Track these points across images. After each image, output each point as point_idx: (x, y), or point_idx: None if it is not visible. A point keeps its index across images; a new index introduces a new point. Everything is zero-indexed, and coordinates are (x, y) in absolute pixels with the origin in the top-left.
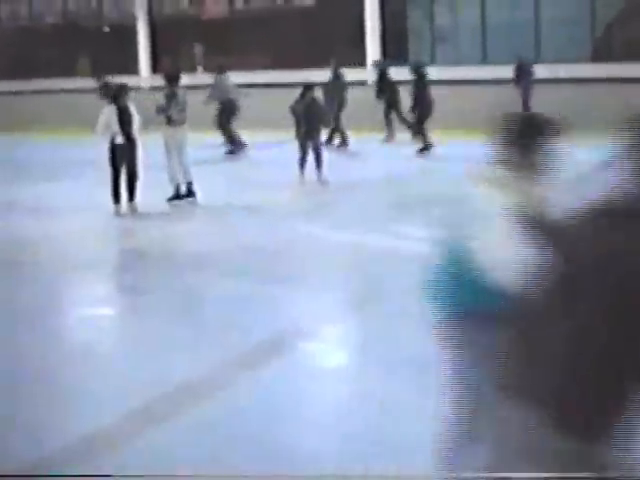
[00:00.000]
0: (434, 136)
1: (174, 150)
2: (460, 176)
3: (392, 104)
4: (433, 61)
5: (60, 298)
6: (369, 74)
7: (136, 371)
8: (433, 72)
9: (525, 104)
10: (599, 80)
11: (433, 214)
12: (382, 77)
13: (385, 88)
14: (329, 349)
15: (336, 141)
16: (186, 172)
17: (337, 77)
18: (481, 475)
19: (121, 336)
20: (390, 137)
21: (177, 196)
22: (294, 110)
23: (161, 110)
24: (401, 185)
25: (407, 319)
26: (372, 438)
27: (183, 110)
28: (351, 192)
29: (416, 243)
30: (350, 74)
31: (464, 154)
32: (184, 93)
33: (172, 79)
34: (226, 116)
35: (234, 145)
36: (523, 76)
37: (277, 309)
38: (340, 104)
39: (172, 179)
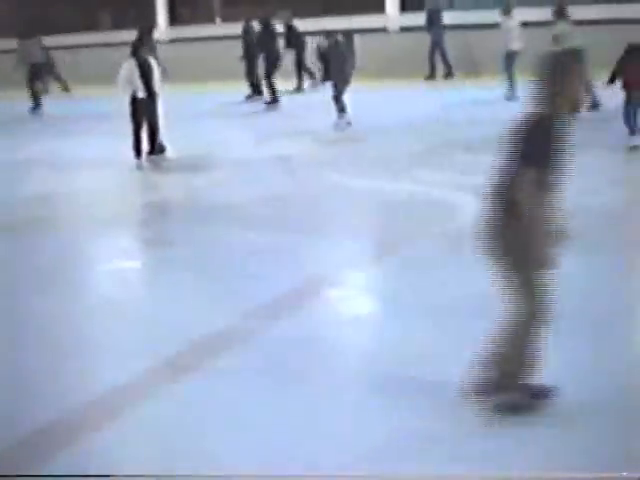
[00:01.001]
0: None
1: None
2: None
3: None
4: (451, 6)
5: (85, 252)
6: (389, 21)
7: (162, 322)
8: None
9: (440, 48)
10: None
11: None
12: (289, 28)
13: (292, 39)
14: (353, 295)
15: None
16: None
17: (267, 27)
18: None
19: (147, 288)
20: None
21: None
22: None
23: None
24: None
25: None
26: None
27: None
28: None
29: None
30: (370, 21)
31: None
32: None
33: (145, 32)
34: (269, 67)
35: (274, 97)
36: (434, 22)
37: (301, 258)
38: (271, 58)
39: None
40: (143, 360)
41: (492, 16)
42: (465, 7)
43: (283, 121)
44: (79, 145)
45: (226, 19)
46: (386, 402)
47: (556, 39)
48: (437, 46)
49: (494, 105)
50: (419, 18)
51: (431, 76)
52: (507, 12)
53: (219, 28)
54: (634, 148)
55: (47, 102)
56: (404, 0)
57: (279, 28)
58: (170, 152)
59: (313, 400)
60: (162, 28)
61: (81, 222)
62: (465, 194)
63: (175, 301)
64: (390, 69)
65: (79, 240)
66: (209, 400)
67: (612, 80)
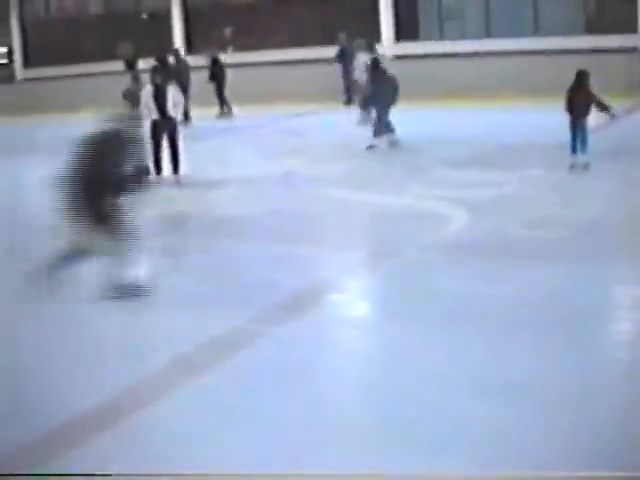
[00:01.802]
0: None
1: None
2: None
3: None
4: (441, 36)
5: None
6: (385, 50)
7: (176, 324)
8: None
9: (348, 79)
10: (592, 51)
11: None
12: (214, 62)
13: (216, 72)
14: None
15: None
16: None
17: (179, 61)
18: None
19: (163, 293)
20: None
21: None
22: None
23: (130, 94)
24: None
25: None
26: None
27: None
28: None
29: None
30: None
31: None
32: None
33: (131, 64)
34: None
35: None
36: (344, 57)
37: (306, 266)
38: (185, 88)
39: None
40: (157, 359)
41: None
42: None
43: (289, 140)
44: None
45: (237, 49)
46: None
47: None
48: (347, 77)
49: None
50: (414, 47)
51: (348, 102)
52: (360, 46)
53: (231, 57)
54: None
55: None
56: (399, 30)
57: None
58: (182, 170)
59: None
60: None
61: None
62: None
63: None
64: None
65: None
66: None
67: (569, 106)
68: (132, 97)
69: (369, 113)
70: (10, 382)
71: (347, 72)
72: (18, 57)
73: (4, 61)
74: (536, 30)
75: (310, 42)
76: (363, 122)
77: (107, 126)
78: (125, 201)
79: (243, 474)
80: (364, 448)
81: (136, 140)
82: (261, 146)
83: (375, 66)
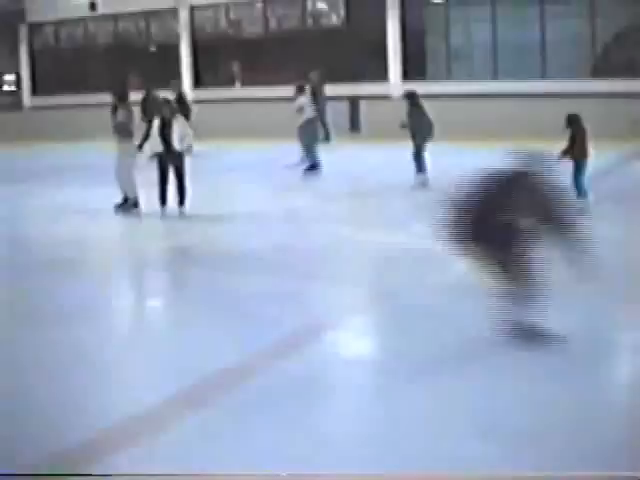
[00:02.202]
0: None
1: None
2: None
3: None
4: (449, 76)
5: (110, 291)
6: (392, 88)
7: (175, 359)
8: (449, 87)
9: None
10: (599, 95)
11: None
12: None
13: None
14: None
15: None
16: (127, 186)
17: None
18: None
19: (164, 326)
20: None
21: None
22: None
23: (121, 127)
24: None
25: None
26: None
27: (126, 126)
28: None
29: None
30: (374, 89)
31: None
32: (130, 111)
33: (121, 97)
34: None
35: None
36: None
37: (306, 303)
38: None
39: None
40: (158, 392)
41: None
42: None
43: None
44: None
45: (245, 83)
46: None
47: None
48: (321, 115)
49: None
50: (420, 86)
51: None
52: (300, 91)
53: (238, 91)
54: None
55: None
56: (406, 69)
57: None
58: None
59: None
60: (187, 90)
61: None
62: None
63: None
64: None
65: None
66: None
67: (565, 152)
68: (123, 129)
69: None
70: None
71: (320, 111)
72: (26, 85)
73: (12, 88)
74: (543, 73)
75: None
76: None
77: (513, 165)
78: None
79: (243, 474)
80: None
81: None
82: (267, 182)
83: (413, 101)
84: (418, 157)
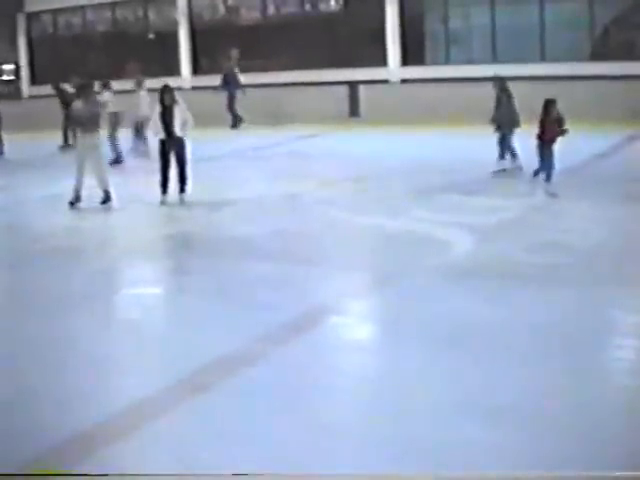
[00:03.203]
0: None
1: (86, 156)
2: None
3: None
4: (447, 61)
5: (113, 279)
6: (391, 73)
7: (178, 345)
8: (448, 71)
9: (230, 106)
10: (597, 77)
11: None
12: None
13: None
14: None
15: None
16: (100, 179)
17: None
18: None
19: (166, 313)
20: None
21: (73, 203)
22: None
23: (91, 118)
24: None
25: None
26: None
27: (94, 117)
28: None
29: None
30: (373, 74)
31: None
32: (96, 101)
33: (82, 88)
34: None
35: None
36: (229, 82)
37: (307, 287)
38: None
39: (77, 187)
40: (157, 379)
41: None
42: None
43: (295, 162)
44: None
45: (243, 70)
46: None
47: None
48: (232, 100)
49: None
50: (419, 72)
51: (234, 125)
52: (139, 85)
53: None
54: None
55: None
56: (405, 54)
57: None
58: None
59: None
60: (186, 76)
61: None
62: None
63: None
64: (391, 117)
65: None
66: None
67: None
68: (92, 121)
69: (140, 139)
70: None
71: (232, 97)
72: (25, 74)
73: (11, 78)
74: (542, 56)
75: (316, 65)
76: (134, 150)
77: None
78: None
79: (243, 474)
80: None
81: None
82: (267, 167)
83: (503, 86)
84: (503, 143)
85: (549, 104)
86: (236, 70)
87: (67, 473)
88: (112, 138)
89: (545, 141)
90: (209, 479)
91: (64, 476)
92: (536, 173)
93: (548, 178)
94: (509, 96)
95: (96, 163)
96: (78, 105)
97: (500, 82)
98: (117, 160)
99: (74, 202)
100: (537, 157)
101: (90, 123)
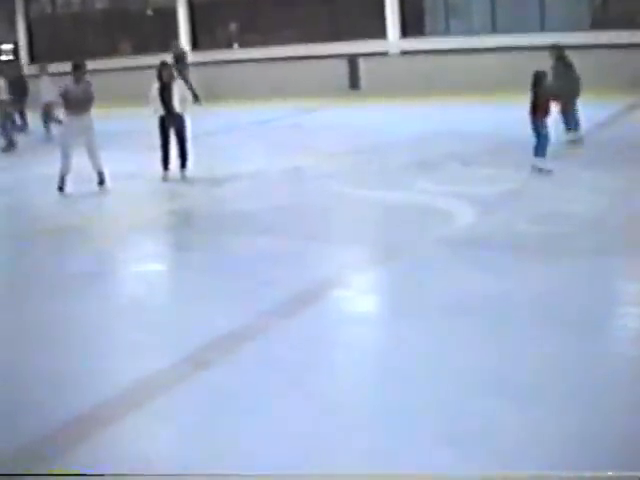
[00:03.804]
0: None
1: (78, 138)
2: None
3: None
4: (447, 32)
5: (114, 256)
6: (390, 46)
7: (181, 321)
8: (448, 43)
9: (186, 81)
10: (597, 46)
11: None
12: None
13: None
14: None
15: None
16: (95, 161)
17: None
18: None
19: (169, 289)
20: None
21: (62, 188)
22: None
23: (72, 99)
24: None
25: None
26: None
27: (88, 98)
28: None
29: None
30: (373, 46)
31: None
32: (88, 81)
33: (75, 69)
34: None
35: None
36: (179, 62)
37: (309, 261)
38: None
39: (65, 169)
40: (162, 356)
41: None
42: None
43: (295, 136)
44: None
45: (243, 45)
46: None
47: None
48: (185, 79)
49: None
50: (419, 43)
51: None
52: (42, 69)
53: (236, 53)
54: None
55: None
56: (404, 26)
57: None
58: (190, 165)
59: None
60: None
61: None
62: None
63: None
64: (391, 89)
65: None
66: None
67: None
68: (86, 101)
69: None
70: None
71: (184, 76)
72: (24, 53)
73: (10, 57)
74: (542, 26)
75: (315, 38)
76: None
77: None
78: None
79: (243, 474)
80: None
81: None
82: (268, 142)
83: (560, 54)
84: (567, 114)
85: (539, 77)
86: (184, 51)
87: (67, 473)
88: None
89: (538, 116)
90: (209, 479)
91: (64, 476)
92: (536, 152)
93: (542, 153)
94: (567, 64)
95: (91, 144)
96: (71, 86)
97: (557, 51)
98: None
99: (62, 187)
100: (533, 133)
101: (84, 103)
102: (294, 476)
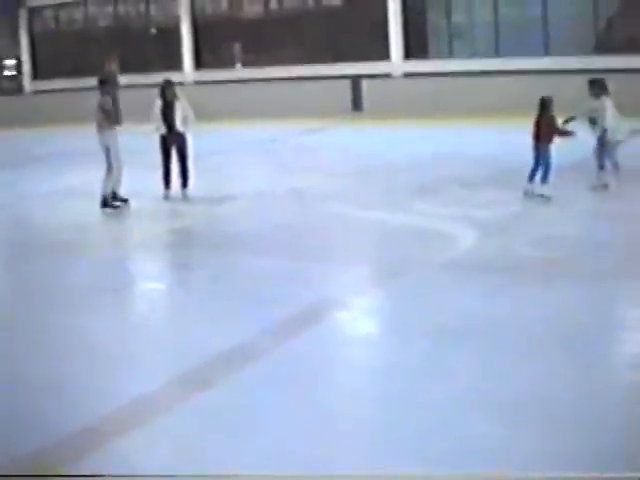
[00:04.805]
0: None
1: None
2: None
3: None
4: (451, 55)
5: (115, 273)
6: (394, 67)
7: (182, 340)
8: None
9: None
10: (601, 71)
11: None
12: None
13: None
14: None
15: None
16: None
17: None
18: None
19: (169, 308)
20: None
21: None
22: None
23: (108, 113)
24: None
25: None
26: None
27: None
28: None
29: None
30: (376, 67)
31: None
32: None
33: (105, 82)
34: None
35: None
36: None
37: (310, 282)
38: None
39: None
40: (163, 374)
41: None
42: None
43: (298, 156)
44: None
45: (246, 64)
46: None
47: None
48: (113, 99)
49: None
50: (422, 65)
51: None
52: None
53: (239, 72)
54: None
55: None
56: (408, 48)
57: None
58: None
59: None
60: (188, 71)
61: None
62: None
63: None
64: (394, 111)
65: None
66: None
67: (535, 133)
68: (116, 115)
69: None
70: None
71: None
72: (27, 69)
73: (13, 73)
74: (546, 50)
75: (318, 59)
76: None
77: None
78: None
79: (243, 474)
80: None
81: None
82: (271, 161)
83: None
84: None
85: (546, 102)
86: (115, 72)
87: (66, 474)
88: None
89: (541, 141)
90: (209, 479)
91: (64, 476)
92: (531, 177)
93: (544, 179)
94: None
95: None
96: (106, 99)
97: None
98: None
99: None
100: (532, 158)
101: (115, 117)
102: (294, 476)
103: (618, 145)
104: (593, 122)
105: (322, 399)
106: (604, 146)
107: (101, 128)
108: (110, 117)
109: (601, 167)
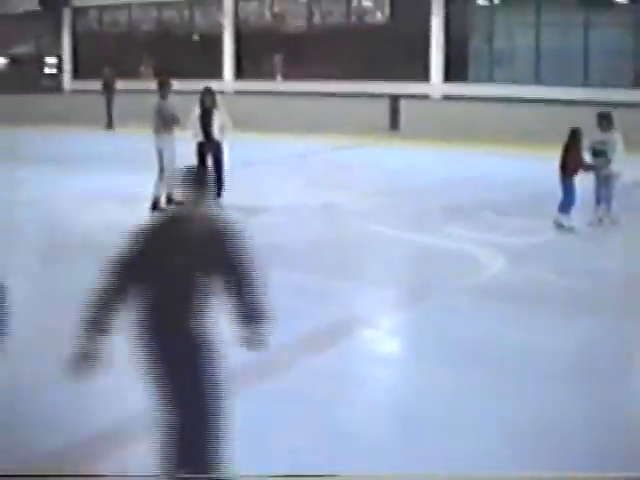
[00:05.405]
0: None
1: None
2: None
3: None
4: (491, 80)
5: None
6: (433, 89)
7: None
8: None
9: (108, 108)
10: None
11: None
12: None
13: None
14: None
15: None
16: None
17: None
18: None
19: None
20: None
21: (155, 206)
22: None
23: (172, 119)
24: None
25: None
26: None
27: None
28: None
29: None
30: (415, 88)
31: None
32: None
33: (164, 86)
34: None
35: None
36: (107, 87)
37: (336, 300)
38: None
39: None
40: None
41: None
42: None
43: (332, 172)
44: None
45: (286, 77)
46: None
47: None
48: (110, 104)
49: None
50: (461, 88)
51: (110, 127)
52: None
53: (279, 85)
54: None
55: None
56: (448, 71)
57: None
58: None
59: None
60: (228, 80)
61: None
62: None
63: None
64: (431, 132)
65: None
66: None
67: (562, 164)
68: (174, 120)
69: None
70: None
71: (110, 102)
72: (67, 68)
73: (53, 71)
74: (585, 80)
75: (358, 76)
76: None
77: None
78: None
79: (243, 474)
80: None
81: None
82: (305, 176)
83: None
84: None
85: (575, 134)
86: (114, 78)
87: (66, 474)
88: None
89: (567, 172)
90: None
91: (64, 476)
92: (561, 208)
93: (567, 210)
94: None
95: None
96: (163, 102)
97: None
98: None
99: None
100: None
101: (171, 121)
102: (294, 476)
103: (618, 178)
104: (596, 154)
105: (345, 416)
106: (606, 179)
107: (158, 131)
108: (167, 121)
109: (598, 202)
